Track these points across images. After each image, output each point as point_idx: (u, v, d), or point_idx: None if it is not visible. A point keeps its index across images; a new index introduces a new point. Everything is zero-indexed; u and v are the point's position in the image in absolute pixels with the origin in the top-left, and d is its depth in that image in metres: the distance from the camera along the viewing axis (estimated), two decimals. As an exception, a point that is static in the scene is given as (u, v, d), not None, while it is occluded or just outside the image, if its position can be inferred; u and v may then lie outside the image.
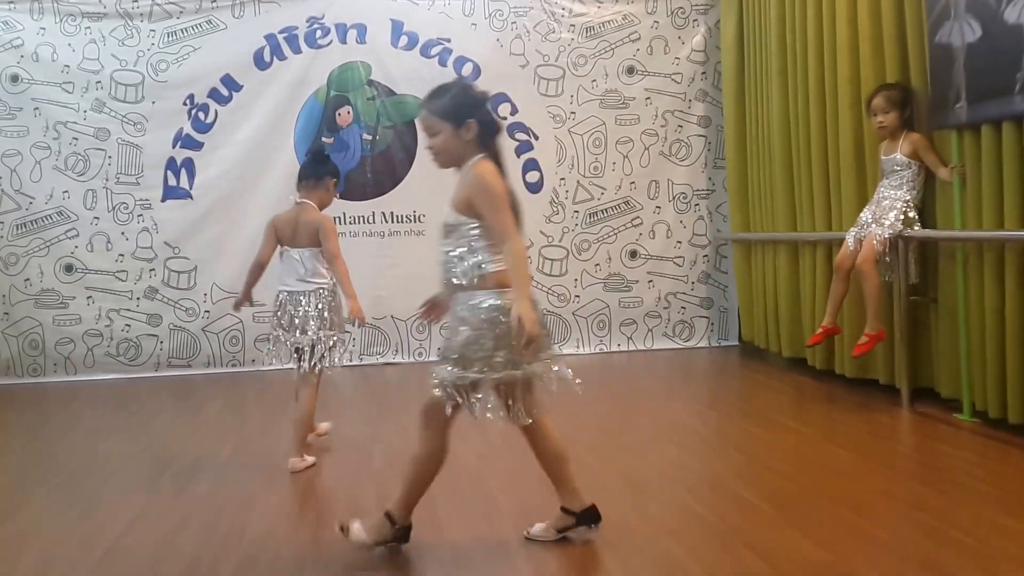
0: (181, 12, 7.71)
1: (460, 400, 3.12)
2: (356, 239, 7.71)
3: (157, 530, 3.60)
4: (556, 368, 3.25)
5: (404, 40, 7.88)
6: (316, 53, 7.84)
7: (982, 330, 4.73)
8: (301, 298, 4.66)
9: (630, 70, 8.08)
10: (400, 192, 7.87)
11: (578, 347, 8.06)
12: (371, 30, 7.86)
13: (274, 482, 4.32)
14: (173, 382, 7.42)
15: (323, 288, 4.67)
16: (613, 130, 8.07)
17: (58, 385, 7.46)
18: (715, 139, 8.15)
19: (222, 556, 3.26)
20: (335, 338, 4.66)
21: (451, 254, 3.17)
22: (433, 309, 3.41)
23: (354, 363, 7.43)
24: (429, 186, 7.12)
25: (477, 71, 7.89)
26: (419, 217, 7.87)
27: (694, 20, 8.13)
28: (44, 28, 7.61)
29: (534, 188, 8.01)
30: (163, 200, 7.75)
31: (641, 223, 8.11)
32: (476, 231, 3.13)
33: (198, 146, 7.74)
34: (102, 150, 7.66)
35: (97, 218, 7.67)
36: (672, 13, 8.10)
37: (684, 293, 8.18)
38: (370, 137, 7.91)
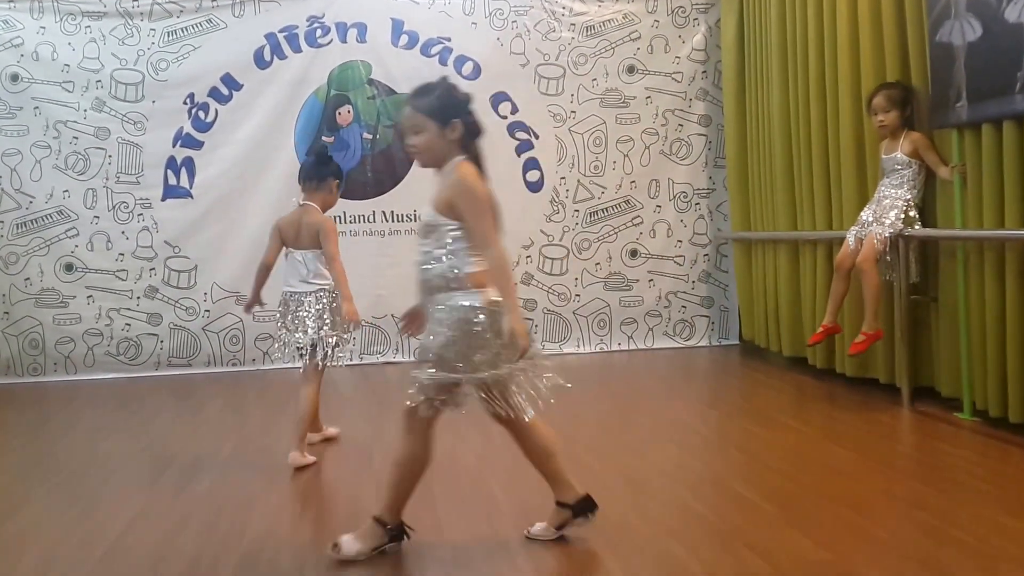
0: (181, 11, 7.71)
1: (439, 402, 3.11)
2: (356, 238, 7.71)
3: (157, 529, 3.60)
4: (541, 371, 3.20)
5: (404, 39, 7.88)
6: (316, 52, 7.84)
7: (983, 329, 4.73)
8: (304, 298, 4.70)
9: (630, 69, 8.07)
10: (400, 191, 7.87)
11: (578, 346, 8.06)
12: (371, 29, 7.86)
13: (274, 482, 4.32)
14: (173, 381, 7.42)
15: (325, 289, 4.69)
16: (613, 129, 8.07)
17: (58, 384, 7.46)
18: (716, 138, 8.14)
19: (222, 555, 3.26)
20: (336, 338, 4.68)
21: (429, 255, 3.16)
22: (414, 320, 3.37)
23: (354, 363, 7.43)
24: (429, 185, 7.06)
25: (477, 70, 7.89)
26: (419, 216, 7.74)
27: (694, 19, 8.13)
28: (44, 27, 7.61)
29: (534, 187, 8.01)
30: (163, 199, 7.75)
31: (641, 222, 8.11)
32: (456, 233, 3.13)
33: (198, 145, 7.74)
34: (102, 149, 7.67)
35: (97, 217, 7.67)
36: (672, 12, 8.09)
37: (685, 292, 8.18)
38: (370, 136, 7.90)
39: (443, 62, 7.86)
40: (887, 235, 5.25)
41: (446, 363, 3.08)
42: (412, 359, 3.21)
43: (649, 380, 6.92)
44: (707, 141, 8.17)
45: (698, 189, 8.17)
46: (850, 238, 5.49)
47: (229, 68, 7.74)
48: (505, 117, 7.93)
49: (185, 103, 7.72)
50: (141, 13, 7.69)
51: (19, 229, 7.61)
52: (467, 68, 7.89)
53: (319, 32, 7.83)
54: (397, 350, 7.82)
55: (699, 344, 8.17)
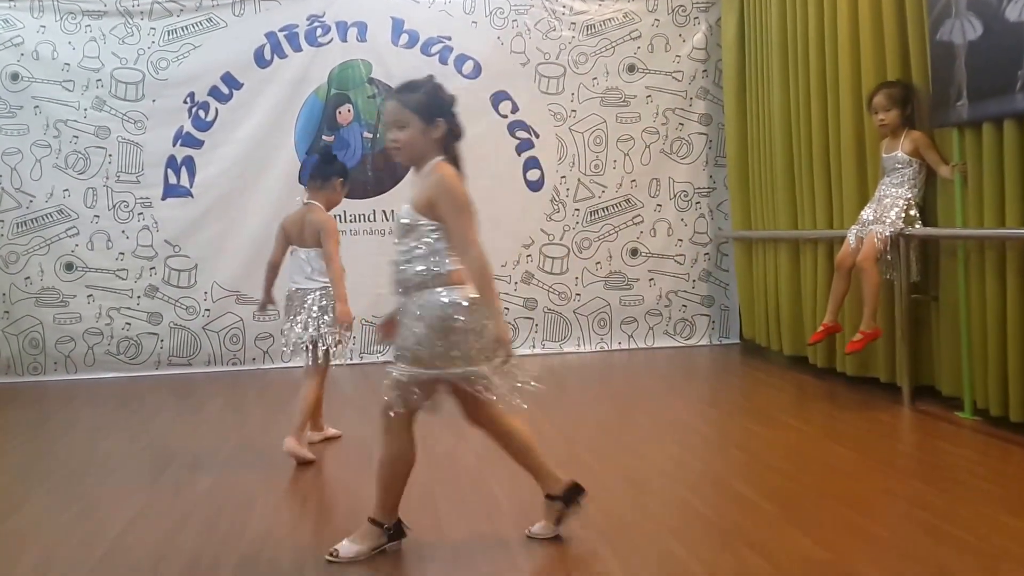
0: (181, 10, 7.71)
1: (415, 398, 3.10)
2: (357, 237, 7.71)
3: (157, 528, 3.60)
4: (516, 371, 3.16)
5: (405, 38, 7.87)
6: (317, 51, 7.83)
7: (983, 328, 4.72)
8: (307, 295, 4.77)
9: (631, 68, 8.07)
10: (401, 190, 7.84)
11: (579, 345, 8.05)
12: (372, 28, 7.85)
13: (274, 482, 4.32)
14: (173, 380, 7.42)
15: (328, 287, 4.71)
16: (614, 128, 8.06)
17: (58, 383, 7.46)
18: (716, 137, 8.14)
19: (222, 555, 3.26)
20: (338, 335, 4.70)
21: (408, 254, 3.14)
22: (391, 327, 3.35)
23: (354, 362, 7.43)
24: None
25: (478, 69, 7.89)
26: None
27: (695, 18, 8.12)
28: (44, 26, 7.61)
29: (535, 186, 8.01)
30: (163, 198, 7.75)
31: (642, 221, 8.10)
32: (436, 233, 3.11)
33: (198, 144, 7.74)
34: (102, 148, 7.67)
35: (97, 216, 7.67)
36: (673, 11, 8.09)
37: (685, 291, 8.17)
38: (371, 135, 7.90)
39: (443, 61, 7.86)
40: (888, 234, 5.25)
41: (422, 359, 3.07)
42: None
43: (649, 379, 6.92)
44: (708, 140, 8.16)
45: (699, 188, 8.17)
46: (851, 237, 5.48)
47: (229, 67, 7.74)
48: (505, 116, 7.93)
49: (185, 102, 7.72)
50: (141, 12, 7.69)
51: (19, 228, 7.61)
52: (467, 67, 7.89)
53: (319, 31, 7.82)
54: (397, 349, 7.82)
55: (699, 343, 8.16)
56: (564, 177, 8.03)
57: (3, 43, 7.57)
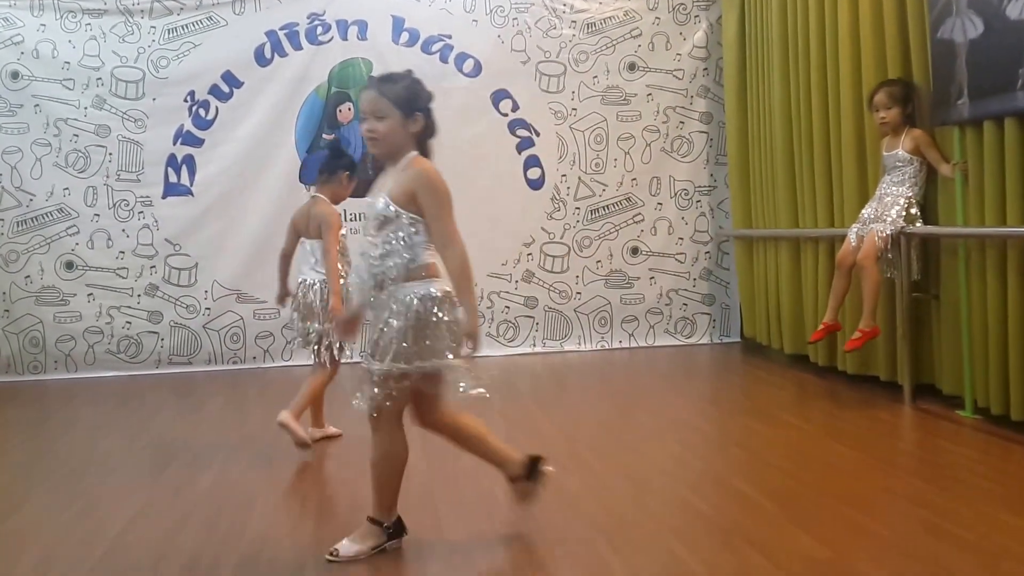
0: (182, 8, 7.71)
1: (396, 393, 3.08)
2: (357, 235, 7.66)
3: (158, 527, 3.60)
4: (479, 370, 3.17)
5: (405, 36, 7.87)
6: (317, 50, 7.83)
7: (984, 327, 4.72)
8: (311, 288, 4.83)
9: (631, 66, 8.06)
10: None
11: (579, 344, 8.05)
12: (372, 27, 7.85)
13: (275, 480, 4.32)
14: (174, 379, 7.42)
15: None
16: (614, 126, 8.06)
17: (59, 382, 7.46)
18: (717, 135, 8.13)
19: (222, 554, 3.25)
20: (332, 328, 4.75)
21: (385, 246, 3.11)
22: (353, 325, 3.35)
23: (355, 360, 7.41)
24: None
25: (478, 67, 7.88)
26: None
27: (695, 16, 8.11)
28: (44, 25, 7.61)
29: (535, 185, 8.00)
30: (164, 197, 7.75)
31: (643, 219, 8.10)
32: (414, 226, 3.10)
33: (199, 143, 7.74)
34: (103, 147, 7.66)
35: (98, 215, 7.66)
36: (673, 9, 8.08)
37: (686, 290, 8.17)
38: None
39: (444, 59, 7.86)
40: (888, 232, 5.24)
41: (401, 353, 3.05)
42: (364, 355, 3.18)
43: (650, 378, 6.92)
44: (708, 138, 8.15)
45: (699, 186, 8.16)
46: (851, 235, 5.48)
47: (230, 65, 7.74)
48: (506, 114, 7.93)
49: (186, 101, 7.72)
50: (142, 10, 7.69)
51: (19, 227, 7.61)
52: (468, 65, 7.88)
53: (320, 29, 7.82)
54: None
55: (700, 342, 8.16)
56: (565, 176, 8.03)
57: (3, 41, 7.57)
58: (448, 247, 3.07)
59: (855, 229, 5.47)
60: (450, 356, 3.09)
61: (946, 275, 5.21)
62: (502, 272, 7.90)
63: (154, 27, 7.70)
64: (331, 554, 3.15)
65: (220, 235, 7.74)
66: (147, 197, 7.71)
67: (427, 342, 3.06)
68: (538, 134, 7.99)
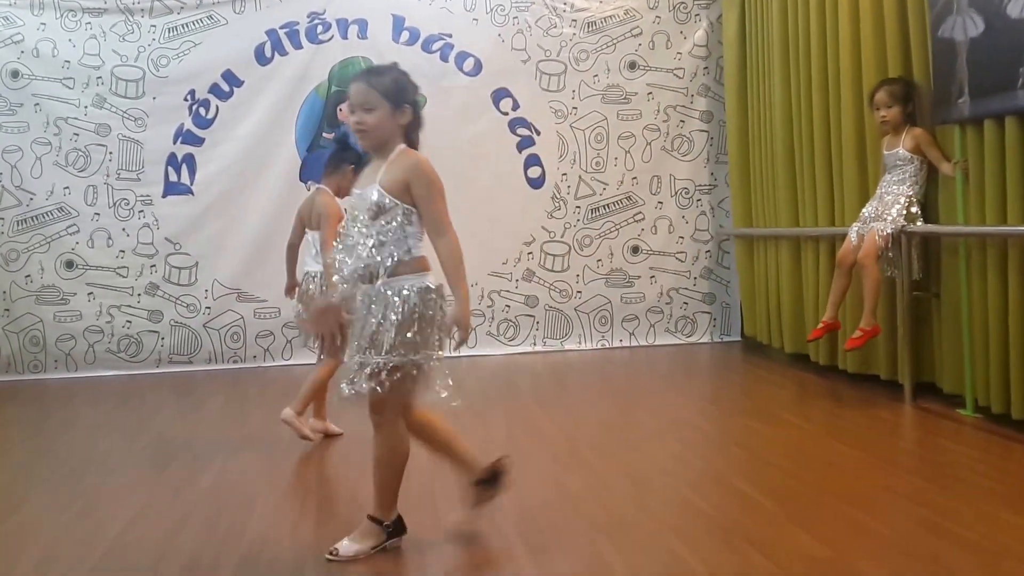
0: (182, 7, 7.70)
1: (387, 387, 3.06)
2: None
3: (158, 527, 3.59)
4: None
5: (406, 35, 7.86)
6: (317, 48, 7.82)
7: (985, 325, 4.71)
8: (313, 279, 4.92)
9: (632, 65, 8.06)
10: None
11: (580, 343, 8.05)
12: (372, 25, 7.84)
13: (275, 479, 4.32)
14: (174, 378, 7.42)
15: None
16: (615, 125, 8.05)
17: (59, 382, 7.46)
18: (717, 134, 8.13)
19: (223, 554, 3.25)
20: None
21: (379, 237, 3.10)
22: (328, 316, 3.34)
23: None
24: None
25: (479, 66, 7.88)
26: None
27: (696, 15, 8.11)
28: (44, 24, 7.61)
29: (536, 183, 8.00)
30: (164, 196, 7.74)
31: (643, 218, 8.10)
32: (409, 217, 3.11)
33: (199, 142, 7.74)
34: (103, 146, 7.66)
35: (98, 214, 7.66)
36: (674, 8, 8.07)
37: (686, 288, 8.17)
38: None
39: (444, 58, 7.85)
40: (889, 231, 5.24)
41: (397, 346, 3.04)
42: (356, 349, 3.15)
43: (650, 377, 6.92)
44: (709, 137, 8.15)
45: (700, 185, 8.16)
46: (852, 234, 5.47)
47: (230, 64, 7.73)
48: (506, 113, 7.92)
49: (186, 99, 7.71)
50: (142, 9, 7.69)
51: (19, 226, 7.61)
52: (468, 64, 7.88)
53: (320, 28, 7.82)
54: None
55: (701, 341, 8.16)
56: (565, 174, 8.02)
57: (3, 40, 7.56)
58: (441, 236, 3.09)
59: (856, 228, 5.47)
60: (438, 351, 3.11)
61: (947, 274, 5.21)
62: (502, 271, 7.90)
63: (154, 26, 7.70)
64: (331, 553, 3.15)
65: (220, 234, 7.73)
66: (147, 196, 7.71)
67: (421, 336, 3.07)
68: (538, 133, 7.98)
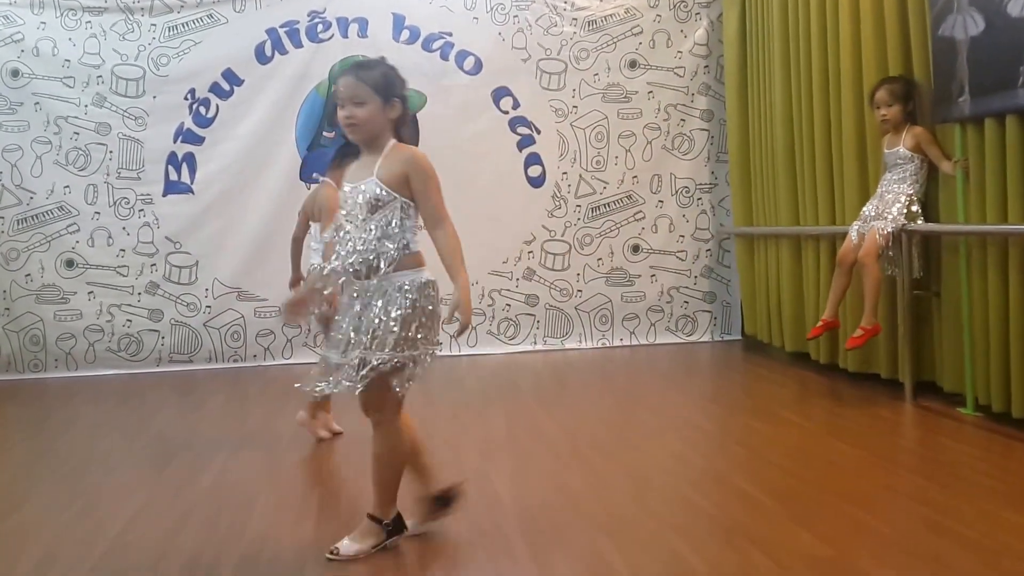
0: (182, 6, 7.70)
1: (389, 383, 3.06)
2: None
3: (158, 527, 3.59)
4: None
5: (406, 34, 7.86)
6: (317, 47, 7.82)
7: (985, 324, 4.71)
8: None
9: (632, 64, 8.06)
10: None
11: (580, 342, 8.04)
12: (372, 24, 7.84)
13: (275, 479, 4.32)
14: (174, 378, 7.42)
15: None
16: (615, 124, 8.05)
17: (59, 381, 7.46)
18: (718, 133, 8.13)
19: (223, 554, 3.25)
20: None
21: (378, 231, 3.10)
22: (300, 307, 3.35)
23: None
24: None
25: (479, 65, 7.88)
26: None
27: (696, 14, 8.11)
28: (45, 23, 7.60)
29: (536, 182, 8.00)
30: (164, 195, 7.74)
31: (643, 217, 8.10)
32: (407, 211, 3.11)
33: (199, 141, 7.73)
34: (103, 145, 7.66)
35: (98, 213, 7.66)
36: (674, 7, 8.07)
37: (687, 287, 8.17)
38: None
39: (444, 57, 7.85)
40: (889, 230, 5.24)
41: (400, 342, 3.04)
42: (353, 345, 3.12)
43: (651, 376, 6.92)
44: (709, 136, 8.15)
45: (700, 184, 8.16)
46: (852, 233, 5.47)
47: (230, 63, 7.73)
48: (507, 112, 7.92)
49: (186, 98, 7.71)
50: (142, 8, 7.69)
51: (20, 225, 7.61)
52: (468, 63, 7.88)
53: (320, 27, 7.81)
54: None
55: (701, 339, 8.16)
56: (565, 173, 8.02)
57: (3, 39, 7.56)
58: (439, 226, 3.09)
59: (856, 227, 5.47)
60: (438, 346, 3.13)
61: (947, 272, 5.21)
62: (503, 270, 7.90)
63: (154, 25, 7.69)
64: (331, 553, 3.14)
65: (220, 233, 7.73)
66: (147, 195, 7.71)
67: (422, 331, 3.07)
68: (539, 132, 7.98)
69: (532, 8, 7.96)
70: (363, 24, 7.84)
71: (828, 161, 6.20)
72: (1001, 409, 4.59)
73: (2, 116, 7.56)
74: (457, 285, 3.01)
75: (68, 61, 7.61)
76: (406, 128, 3.24)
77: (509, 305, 7.94)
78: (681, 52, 8.10)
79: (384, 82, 3.14)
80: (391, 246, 3.09)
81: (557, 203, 8.02)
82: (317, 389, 3.16)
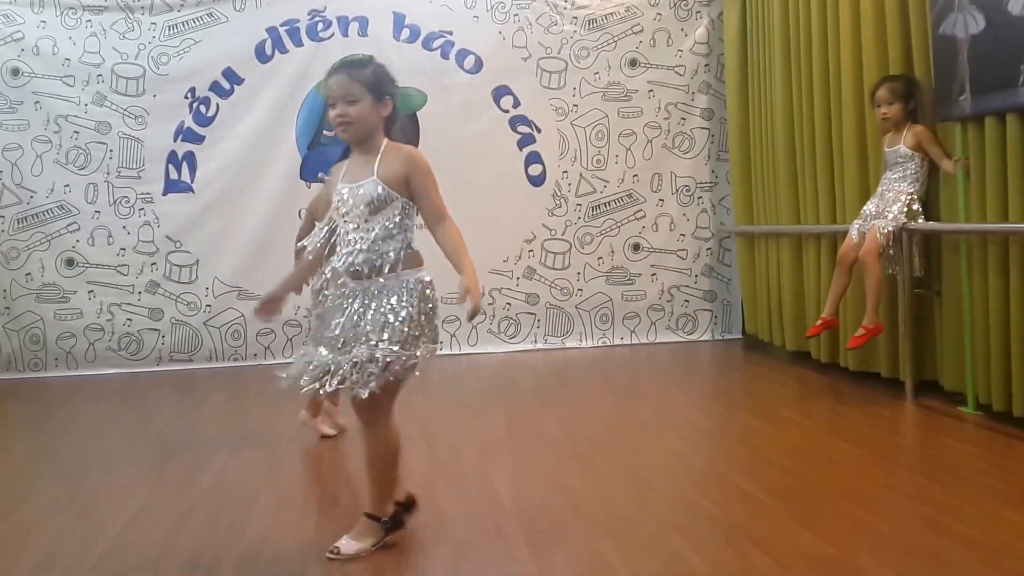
0: (182, 5, 7.70)
1: (392, 382, 3.06)
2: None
3: (158, 527, 3.59)
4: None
5: (406, 33, 7.86)
6: (318, 46, 7.82)
7: (986, 323, 4.71)
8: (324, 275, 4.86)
9: (633, 62, 8.05)
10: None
11: (581, 341, 8.04)
12: (373, 23, 7.84)
13: (276, 478, 4.32)
14: (175, 376, 7.42)
15: None
16: (616, 123, 8.05)
17: (59, 380, 7.46)
18: (718, 131, 8.12)
19: (223, 554, 3.25)
20: None
21: (382, 231, 3.10)
22: (273, 305, 3.34)
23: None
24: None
25: (479, 64, 7.87)
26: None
27: (697, 12, 8.10)
28: (45, 21, 7.60)
29: (537, 181, 7.99)
30: (164, 194, 7.74)
31: (644, 216, 8.09)
32: (407, 210, 3.13)
33: (199, 139, 7.73)
34: (103, 144, 7.66)
35: (98, 212, 7.66)
36: (675, 5, 8.07)
37: (687, 286, 8.16)
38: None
39: (445, 56, 7.85)
40: (890, 229, 5.23)
41: (409, 341, 3.04)
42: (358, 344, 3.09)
43: (651, 375, 6.91)
44: (710, 135, 8.14)
45: (701, 183, 8.15)
46: (853, 232, 5.46)
47: (230, 62, 7.73)
48: (507, 111, 7.92)
49: (186, 97, 7.71)
50: (142, 7, 7.68)
51: (20, 224, 7.60)
52: (469, 62, 7.87)
53: (320, 26, 7.81)
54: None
55: (702, 338, 8.15)
56: (566, 172, 8.02)
57: (4, 38, 7.56)
58: (441, 222, 3.12)
59: (857, 225, 5.46)
60: (438, 344, 3.15)
61: (948, 271, 5.21)
62: (503, 269, 7.90)
63: (154, 23, 7.69)
64: (332, 552, 3.14)
65: (221, 232, 7.73)
66: (148, 194, 7.71)
67: (423, 331, 3.09)
68: (539, 130, 7.98)
69: (532, 7, 7.95)
70: (363, 23, 7.83)
71: (829, 160, 6.20)
72: (1002, 408, 4.59)
73: (2, 115, 7.56)
74: (465, 273, 3.02)
75: (68, 60, 7.61)
76: (396, 125, 3.24)
77: (509, 304, 7.94)
78: (682, 51, 8.09)
79: (375, 79, 3.15)
80: (395, 246, 3.10)
81: (557, 202, 8.01)
82: (311, 387, 3.13)
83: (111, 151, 7.67)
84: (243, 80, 7.74)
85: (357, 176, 3.17)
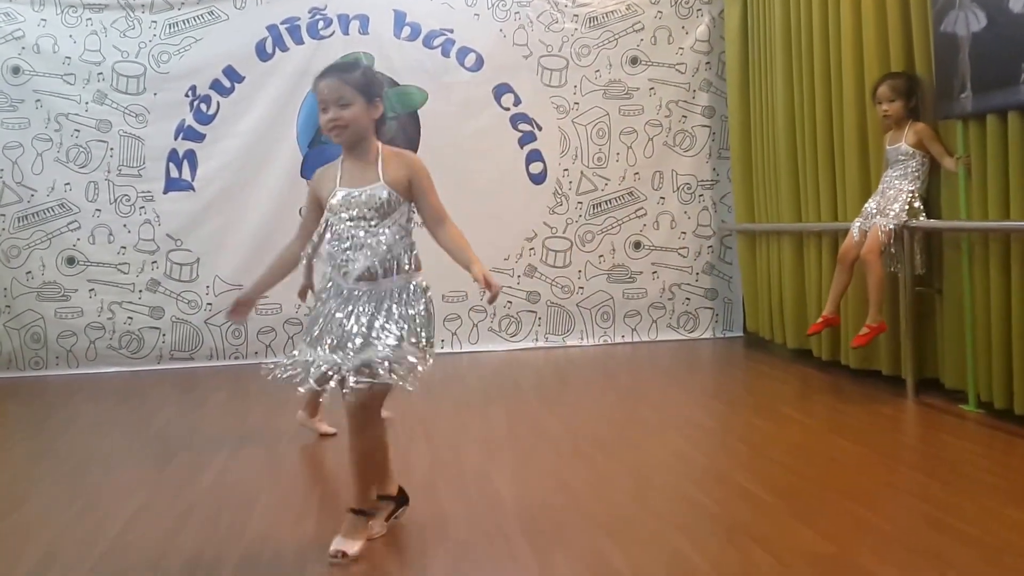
0: (183, 3, 7.69)
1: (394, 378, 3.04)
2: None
3: (159, 526, 3.59)
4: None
5: (407, 31, 7.85)
6: (318, 44, 7.81)
7: (987, 321, 4.70)
8: None
9: (634, 60, 8.04)
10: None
11: (582, 339, 8.04)
12: (374, 21, 7.83)
13: (276, 477, 4.32)
14: (175, 375, 7.42)
15: None
16: (617, 120, 8.04)
17: (60, 378, 7.46)
18: (719, 129, 8.12)
19: (224, 553, 3.24)
20: None
21: (390, 235, 3.10)
22: (245, 308, 3.35)
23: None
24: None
25: (480, 62, 7.87)
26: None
27: (698, 10, 8.09)
28: (45, 19, 7.60)
29: (538, 179, 7.99)
30: (165, 192, 7.74)
31: (645, 214, 8.09)
32: (407, 214, 3.15)
33: (200, 138, 7.73)
34: (104, 142, 7.66)
35: (99, 210, 7.66)
36: (676, 3, 8.06)
37: (688, 284, 8.16)
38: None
39: (445, 54, 7.84)
40: (891, 227, 5.23)
41: (418, 342, 3.07)
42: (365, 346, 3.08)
43: (653, 373, 6.91)
44: (711, 132, 8.14)
45: (702, 180, 8.14)
46: (854, 230, 5.46)
47: (231, 60, 7.72)
48: (508, 109, 7.91)
49: (187, 95, 7.71)
50: (142, 5, 7.68)
51: (20, 222, 7.61)
52: (470, 60, 7.87)
53: (321, 24, 7.80)
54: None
55: (703, 336, 8.15)
56: (567, 170, 8.01)
57: (4, 37, 7.56)
58: (443, 222, 3.15)
59: (858, 223, 5.46)
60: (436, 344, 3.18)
61: (949, 269, 5.20)
62: (504, 267, 7.89)
63: (155, 22, 7.69)
64: (337, 556, 3.08)
65: (221, 230, 7.73)
66: (148, 192, 7.71)
67: (427, 331, 3.11)
68: (540, 128, 7.97)
69: (533, 4, 7.94)
70: (364, 21, 7.83)
71: (830, 157, 6.19)
72: (1003, 406, 4.58)
73: (3, 113, 7.56)
74: (474, 263, 3.04)
75: (69, 58, 7.60)
76: (385, 127, 3.26)
77: (510, 302, 7.93)
78: (683, 48, 8.08)
79: (366, 81, 3.20)
80: (404, 248, 3.12)
81: (558, 200, 8.01)
82: (315, 388, 3.12)
83: (112, 149, 7.66)
84: (244, 78, 7.73)
85: (359, 180, 3.17)
